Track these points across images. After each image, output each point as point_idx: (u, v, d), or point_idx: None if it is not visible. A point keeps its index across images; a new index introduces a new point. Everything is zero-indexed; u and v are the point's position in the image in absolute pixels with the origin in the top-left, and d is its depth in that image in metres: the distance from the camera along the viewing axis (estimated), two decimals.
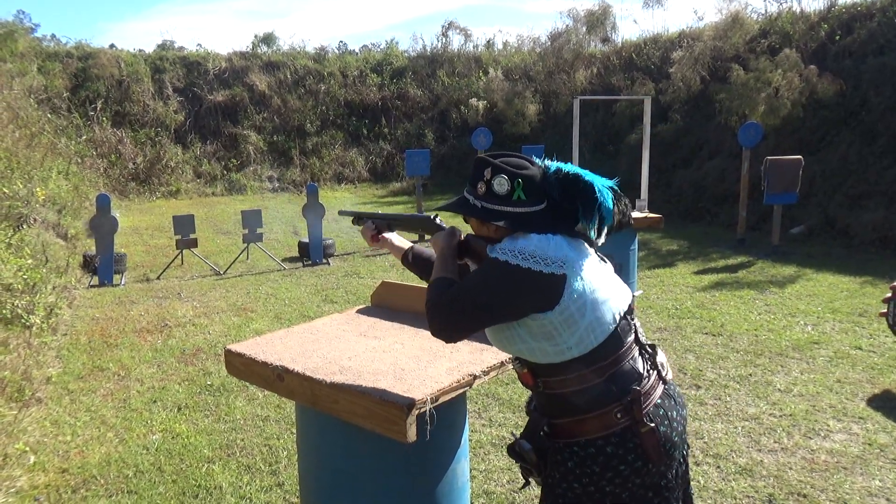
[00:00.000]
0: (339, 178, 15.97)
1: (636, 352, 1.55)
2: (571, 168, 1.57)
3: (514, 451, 1.62)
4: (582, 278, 1.47)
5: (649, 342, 1.62)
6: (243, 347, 2.17)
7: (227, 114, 16.32)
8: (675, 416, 1.54)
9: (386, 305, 2.63)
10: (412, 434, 1.71)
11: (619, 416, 1.48)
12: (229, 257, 7.95)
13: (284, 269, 7.62)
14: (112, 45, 17.40)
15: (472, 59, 18.02)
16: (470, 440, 3.40)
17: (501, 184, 1.54)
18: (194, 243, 7.50)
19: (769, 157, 7.97)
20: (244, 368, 2.14)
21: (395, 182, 15.81)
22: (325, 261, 7.88)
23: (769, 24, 12.10)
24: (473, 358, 2.05)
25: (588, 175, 1.56)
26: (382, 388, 1.79)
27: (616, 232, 1.60)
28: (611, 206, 1.54)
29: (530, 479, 1.71)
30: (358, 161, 16.28)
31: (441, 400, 1.82)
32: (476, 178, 1.58)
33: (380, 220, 2.10)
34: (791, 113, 9.69)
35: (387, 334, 2.30)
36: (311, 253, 7.85)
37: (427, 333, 2.28)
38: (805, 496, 2.93)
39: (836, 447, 3.37)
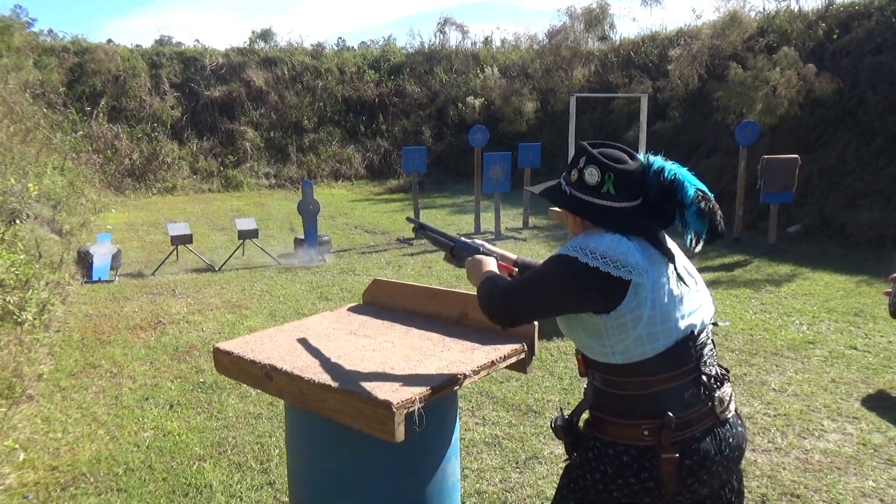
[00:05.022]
0: (336, 174, 15.93)
1: (691, 380, 1.49)
2: (672, 168, 1.52)
3: (553, 426, 1.69)
4: (646, 290, 1.43)
5: (720, 374, 1.55)
6: (232, 346, 2.15)
7: (224, 110, 16.26)
8: (713, 455, 1.47)
9: (377, 303, 2.61)
10: (400, 434, 1.69)
11: (646, 433, 1.47)
12: (225, 254, 7.92)
13: (280, 265, 7.59)
14: (109, 41, 17.32)
15: (470, 56, 17.97)
16: (463, 439, 3.38)
17: (592, 174, 1.51)
18: (189, 239, 7.47)
19: (766, 156, 7.95)
20: (233, 367, 2.11)
21: (392, 179, 15.78)
22: (320, 258, 7.85)
23: (767, 23, 12.08)
24: (464, 357, 2.03)
25: (683, 177, 1.51)
26: (371, 388, 1.77)
27: (712, 241, 1.53)
28: (698, 213, 1.48)
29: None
30: (355, 158, 16.23)
31: (430, 399, 1.80)
32: (572, 165, 1.58)
33: (435, 236, 2.16)
34: (788, 112, 9.67)
35: (377, 333, 2.28)
36: (307, 250, 7.82)
37: (418, 332, 2.29)
38: (798, 496, 2.92)
39: (830, 447, 3.36)
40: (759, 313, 5.58)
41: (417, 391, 1.76)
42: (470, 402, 3.82)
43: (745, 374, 4.28)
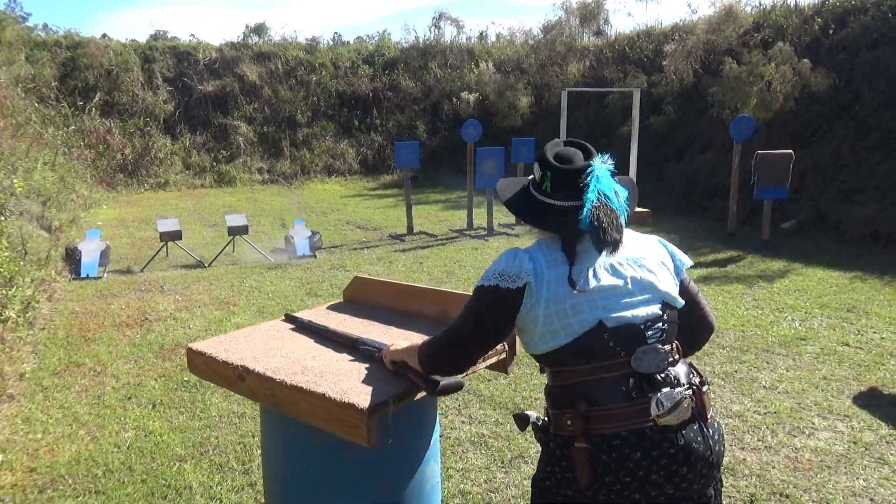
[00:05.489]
0: (329, 170, 15.84)
1: (619, 375, 1.47)
2: (596, 171, 1.53)
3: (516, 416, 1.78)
4: (537, 293, 1.50)
5: (672, 378, 1.48)
6: (205, 346, 2.09)
7: (217, 104, 16.15)
8: (639, 459, 1.42)
9: (358, 301, 2.55)
10: (372, 438, 1.63)
11: (569, 422, 1.49)
12: (215, 250, 7.85)
13: (270, 261, 7.53)
14: (104, 35, 17.20)
15: (465, 50, 17.88)
16: (448, 438, 3.34)
17: (536, 170, 1.61)
18: (178, 236, 7.40)
19: (759, 152, 7.91)
20: (205, 368, 2.06)
21: (386, 174, 15.70)
22: (311, 253, 7.79)
23: (763, 18, 12.03)
24: None
25: (596, 181, 1.52)
26: (344, 390, 1.72)
27: (598, 248, 1.51)
28: (586, 219, 1.49)
29: None
30: (349, 153, 16.15)
31: (405, 402, 1.75)
32: None
33: (333, 332, 2.12)
34: (783, 107, 9.63)
35: (355, 331, 2.22)
36: (298, 247, 7.76)
37: (397, 331, 2.23)
38: (787, 496, 2.88)
39: (820, 446, 3.32)
40: (751, 309, 5.54)
41: (392, 393, 1.71)
42: (456, 400, 3.77)
43: (736, 371, 4.24)
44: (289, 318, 2.33)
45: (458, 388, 1.76)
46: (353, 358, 1.99)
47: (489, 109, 15.25)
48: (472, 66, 16.92)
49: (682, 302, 1.60)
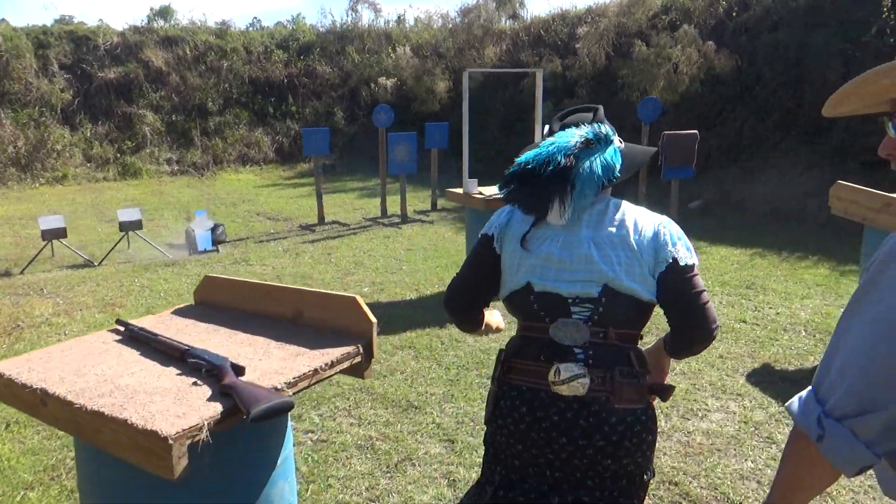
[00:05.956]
0: (243, 159, 15.21)
1: (538, 338, 1.59)
2: (560, 134, 1.60)
3: None
4: (499, 243, 1.67)
5: (589, 356, 1.54)
6: (7, 366, 1.81)
7: (121, 92, 15.22)
8: (524, 413, 1.55)
9: (209, 303, 2.30)
10: (180, 469, 1.41)
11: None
12: (110, 247, 7.33)
13: (168, 257, 7.09)
14: (2, 20, 15.89)
15: (383, 35, 17.50)
16: (333, 443, 3.13)
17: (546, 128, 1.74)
18: (63, 233, 6.85)
19: (666, 132, 7.99)
20: (5, 391, 1.77)
21: (303, 163, 15.20)
22: (213, 248, 7.39)
23: (671, 1, 12.22)
24: (283, 366, 1.76)
25: (540, 148, 1.58)
26: (152, 413, 1.49)
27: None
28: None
29: None
30: (263, 141, 15.55)
31: (228, 423, 1.53)
32: None
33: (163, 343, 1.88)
34: (689, 88, 9.81)
35: (195, 340, 1.98)
36: (199, 241, 7.35)
37: (243, 337, 2.00)
38: (676, 484, 2.83)
39: (712, 427, 3.31)
40: None
41: (209, 414, 1.49)
42: (348, 399, 3.57)
43: None
44: (120, 324, 2.07)
45: (281, 410, 1.55)
46: (179, 372, 1.75)
47: (407, 95, 14.99)
48: (390, 51, 16.58)
49: (649, 296, 1.56)
